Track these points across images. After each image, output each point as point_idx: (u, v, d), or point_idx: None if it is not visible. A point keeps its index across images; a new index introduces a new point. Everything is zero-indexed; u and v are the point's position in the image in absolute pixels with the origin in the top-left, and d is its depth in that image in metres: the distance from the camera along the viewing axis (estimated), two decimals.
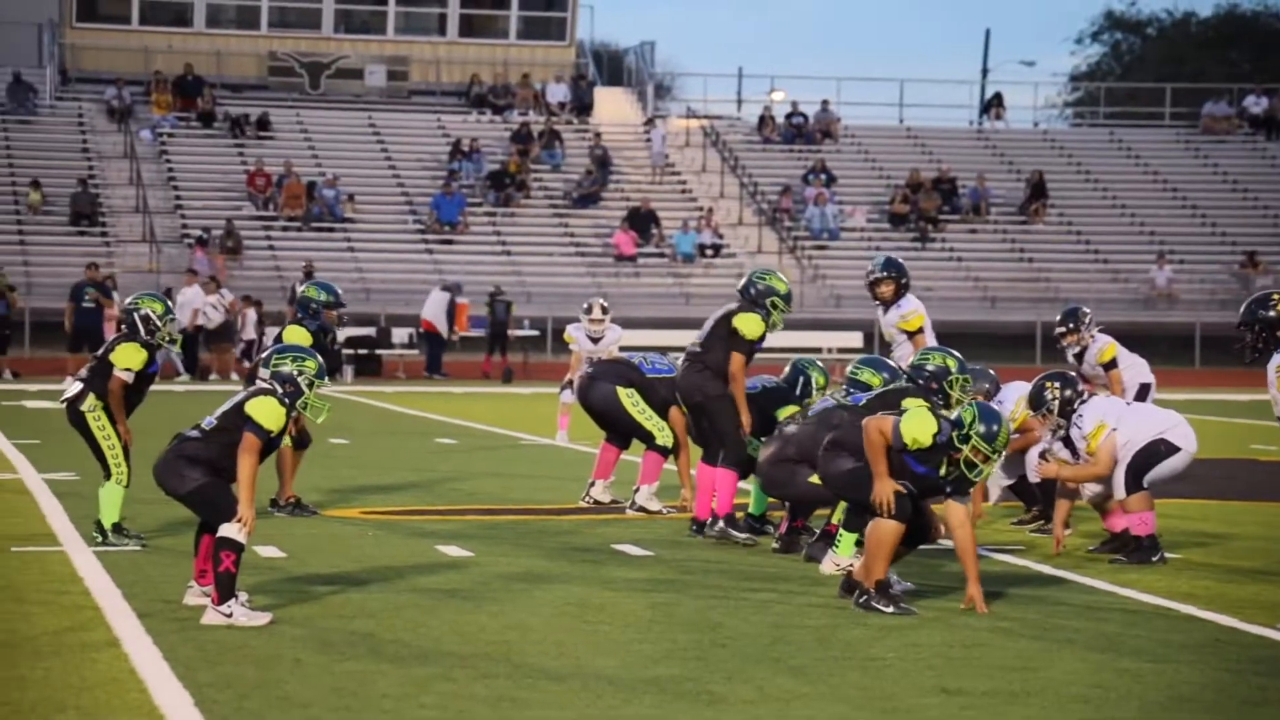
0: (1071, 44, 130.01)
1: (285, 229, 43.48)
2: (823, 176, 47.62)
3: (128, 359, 12.02)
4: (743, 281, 12.93)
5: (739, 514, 12.53)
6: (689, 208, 46.80)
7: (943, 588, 10.71)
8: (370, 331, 36.89)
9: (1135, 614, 10.02)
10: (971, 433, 9.74)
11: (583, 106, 50.31)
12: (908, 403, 10.42)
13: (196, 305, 34.11)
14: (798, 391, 12.69)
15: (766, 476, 11.87)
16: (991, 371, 13.19)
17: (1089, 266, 46.44)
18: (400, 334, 37.14)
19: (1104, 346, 14.97)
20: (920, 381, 11.12)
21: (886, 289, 14.37)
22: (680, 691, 7.84)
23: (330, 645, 8.73)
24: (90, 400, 12.02)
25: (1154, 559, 11.78)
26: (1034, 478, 13.13)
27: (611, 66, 56.66)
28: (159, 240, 42.17)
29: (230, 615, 9.18)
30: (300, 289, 14.29)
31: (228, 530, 9.27)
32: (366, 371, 35.84)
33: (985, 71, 69.09)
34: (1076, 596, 10.54)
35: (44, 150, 45.20)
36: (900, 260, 14.72)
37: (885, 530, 9.82)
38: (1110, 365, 14.96)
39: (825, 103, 51.67)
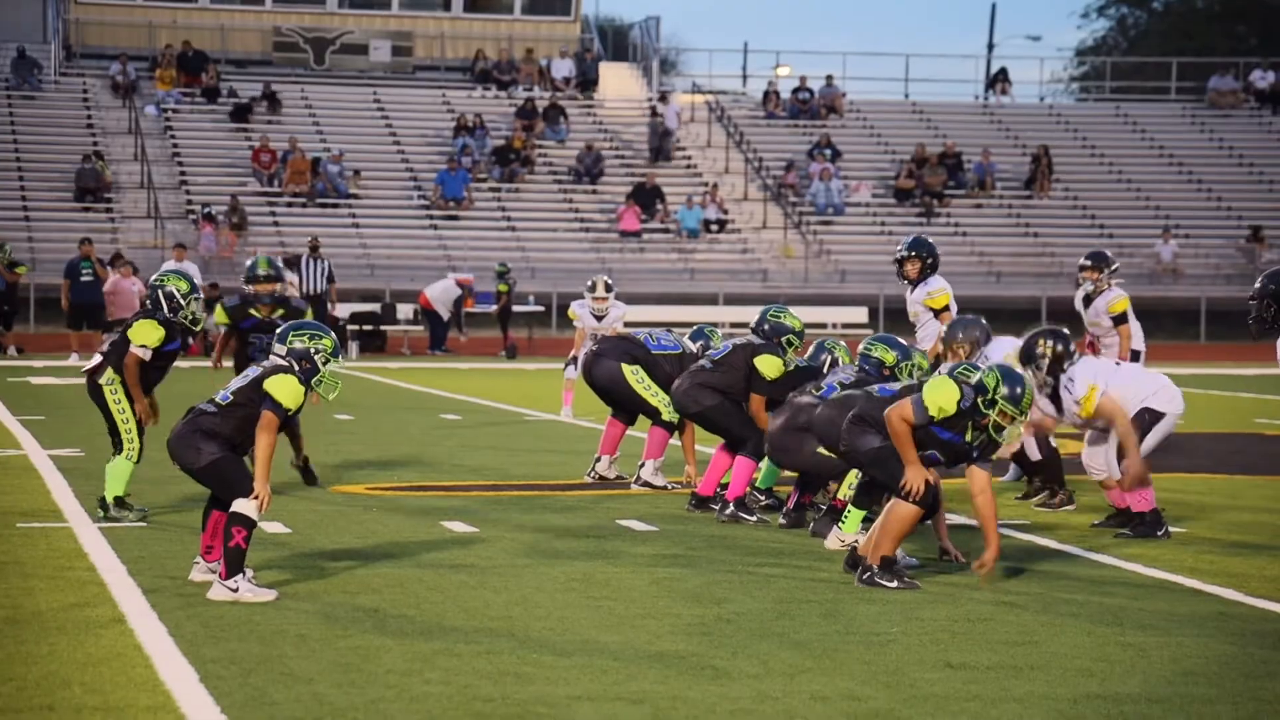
0: (1077, 18, 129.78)
1: (290, 205, 43.47)
2: (828, 152, 47.56)
3: (144, 335, 12.06)
4: (755, 319, 12.83)
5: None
6: (694, 183, 46.75)
7: (947, 563, 10.71)
8: (375, 308, 36.88)
9: (1140, 588, 10.01)
10: (996, 397, 9.75)
11: (587, 82, 50.24)
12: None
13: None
14: (825, 371, 12.63)
15: (775, 444, 11.87)
16: (983, 321, 13.14)
17: (1094, 241, 46.36)
18: (405, 310, 37.13)
19: (1118, 298, 14.97)
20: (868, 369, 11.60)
21: (912, 268, 14.53)
22: (684, 666, 7.85)
23: (335, 620, 8.74)
24: (109, 374, 12.12)
25: (1159, 533, 11.76)
26: (1034, 455, 13.14)
27: (616, 42, 56.56)
28: (164, 216, 42.16)
29: (236, 591, 9.19)
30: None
31: (242, 506, 9.27)
32: (371, 348, 35.85)
33: (991, 46, 69.01)
34: (1081, 570, 10.55)
35: (48, 126, 45.17)
36: (929, 240, 14.80)
37: (905, 513, 9.83)
38: (1120, 319, 14.96)
39: (830, 78, 51.58)
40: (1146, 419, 11.89)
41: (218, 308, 14.08)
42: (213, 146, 45.58)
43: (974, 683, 7.64)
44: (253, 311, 13.82)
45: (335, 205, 43.84)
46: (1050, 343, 11.84)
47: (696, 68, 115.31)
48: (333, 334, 9.76)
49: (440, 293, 36.25)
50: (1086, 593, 9.81)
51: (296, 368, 9.51)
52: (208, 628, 8.50)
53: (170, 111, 46.17)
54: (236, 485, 9.38)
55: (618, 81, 51.04)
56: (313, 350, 9.55)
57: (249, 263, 14.02)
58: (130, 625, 8.55)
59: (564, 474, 15.08)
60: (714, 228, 44.91)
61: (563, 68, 50.07)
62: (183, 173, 44.27)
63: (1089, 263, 15.06)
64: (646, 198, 44.77)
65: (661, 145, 47.63)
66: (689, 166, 48.06)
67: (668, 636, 8.49)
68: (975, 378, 9.92)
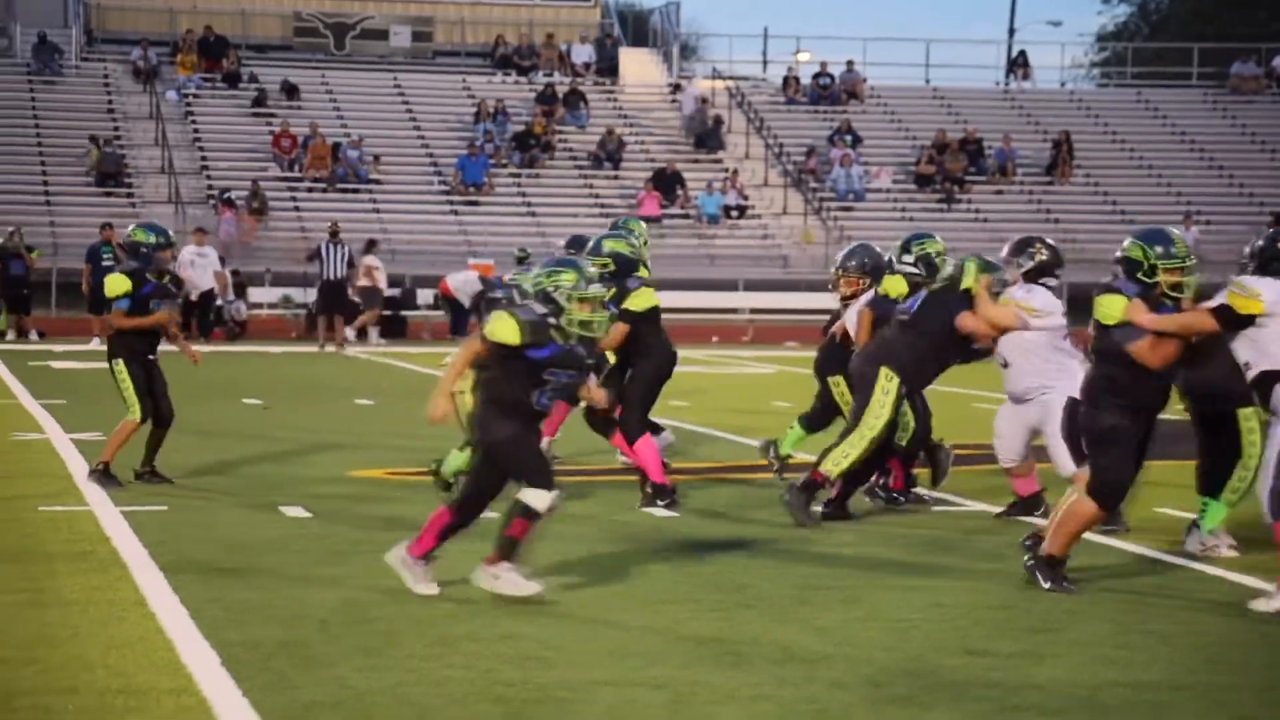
0: (1098, 3, 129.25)
1: (310, 190, 43.49)
2: (848, 137, 47.48)
3: (112, 288, 12.74)
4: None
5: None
6: (714, 169, 46.71)
7: (972, 550, 10.71)
8: (395, 293, 36.89)
9: (1163, 575, 9.99)
10: (1155, 262, 9.33)
11: (607, 68, 50.21)
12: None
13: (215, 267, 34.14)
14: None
15: (858, 374, 11.76)
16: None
17: (1116, 227, 46.25)
18: (425, 295, 37.13)
19: None
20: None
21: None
22: (705, 652, 7.85)
23: (356, 605, 8.75)
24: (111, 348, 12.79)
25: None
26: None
27: (636, 27, 56.50)
28: (184, 201, 42.20)
29: (498, 579, 8.91)
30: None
31: (531, 498, 8.92)
32: (392, 333, 35.86)
33: (1012, 31, 68.82)
34: (1105, 558, 10.53)
35: (69, 111, 45.22)
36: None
37: (1084, 511, 9.32)
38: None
39: (851, 63, 51.49)
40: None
41: (117, 276, 13.08)
42: (233, 132, 45.61)
43: (995, 670, 7.63)
44: (149, 276, 13.03)
45: (355, 190, 43.86)
46: (1043, 251, 11.56)
47: (717, 53, 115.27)
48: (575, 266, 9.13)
49: (461, 283, 36.28)
50: (1109, 580, 9.80)
51: (541, 311, 8.95)
52: (229, 612, 8.51)
53: (191, 97, 46.21)
54: (527, 469, 9.04)
55: (638, 67, 50.99)
56: (552, 289, 9.00)
57: (145, 231, 13.33)
58: (152, 608, 8.56)
59: (583, 458, 15.06)
60: (734, 213, 44.86)
61: (583, 53, 50.04)
62: (203, 158, 44.31)
63: None
64: (667, 183, 44.73)
65: (713, 131, 47.46)
66: (709, 152, 48.01)
67: (688, 622, 8.49)
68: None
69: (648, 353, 12.35)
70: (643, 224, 14.14)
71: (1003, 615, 8.77)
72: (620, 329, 11.98)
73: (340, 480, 13.55)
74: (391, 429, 17.50)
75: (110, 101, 45.75)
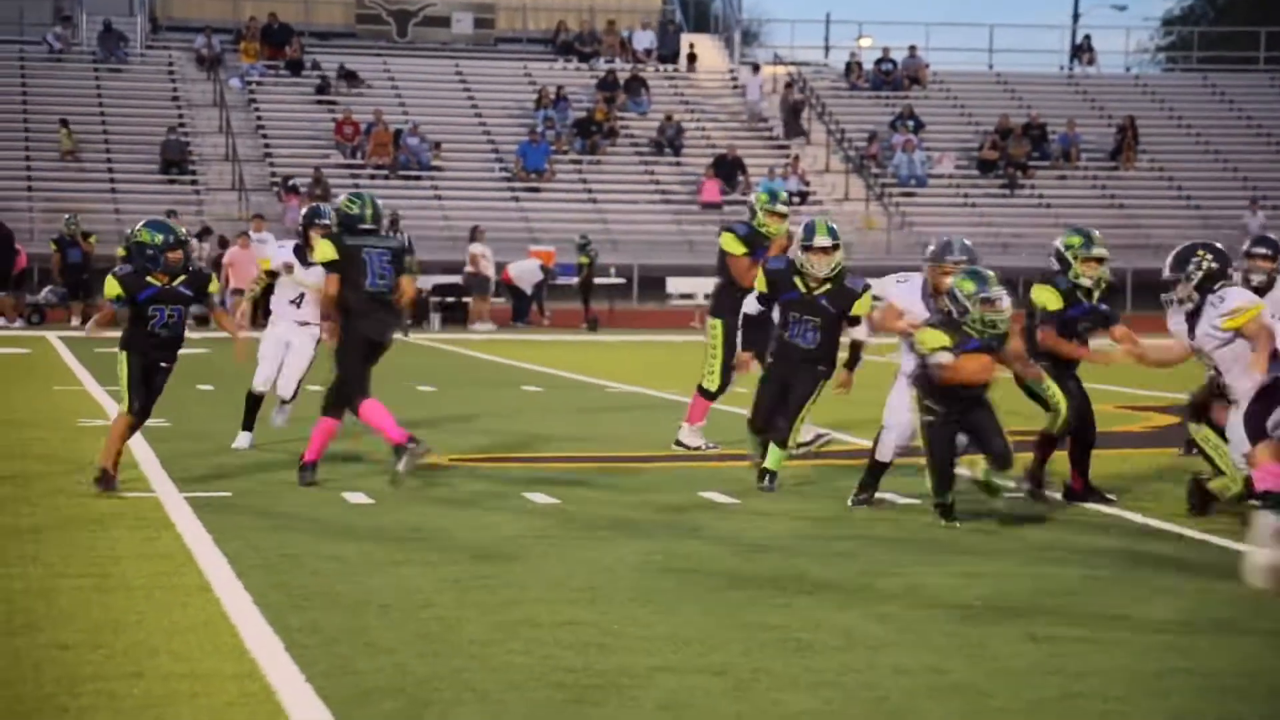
0: None
1: (373, 177, 43.64)
2: (910, 123, 47.31)
3: (106, 289, 12.03)
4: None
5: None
6: (776, 155, 46.60)
7: (1034, 538, 10.65)
8: (458, 279, 36.99)
9: (1230, 563, 9.91)
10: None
11: (669, 54, 50.15)
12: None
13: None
14: None
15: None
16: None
17: (1181, 212, 45.96)
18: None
19: None
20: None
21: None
22: (767, 639, 7.83)
23: (417, 591, 8.77)
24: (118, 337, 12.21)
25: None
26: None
27: (698, 13, 56.43)
28: (248, 189, 42.41)
29: None
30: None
31: None
32: (454, 320, 35.97)
33: (1076, 16, 68.38)
34: (1170, 546, 10.45)
35: (135, 98, 45.50)
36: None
37: None
38: None
39: (913, 48, 51.29)
40: None
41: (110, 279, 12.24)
42: (296, 119, 45.80)
43: (1058, 656, 7.59)
44: (151, 280, 12.05)
45: (418, 177, 43.97)
46: (1208, 257, 10.93)
47: (779, 39, 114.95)
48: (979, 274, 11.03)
49: (523, 271, 36.43)
50: (1176, 567, 9.73)
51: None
52: (291, 597, 8.54)
53: (254, 84, 46.41)
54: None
55: (700, 53, 50.92)
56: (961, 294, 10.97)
57: (150, 231, 12.22)
58: (216, 594, 8.61)
59: (645, 445, 15.07)
60: (795, 199, 44.77)
61: (644, 39, 50.00)
62: (267, 145, 44.50)
63: (1265, 250, 12.67)
64: (727, 170, 44.67)
65: (795, 117, 47.38)
66: (771, 138, 47.91)
67: (749, 608, 8.47)
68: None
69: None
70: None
71: (1066, 601, 8.72)
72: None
73: None
74: (452, 414, 17.53)
75: (175, 89, 46.00)
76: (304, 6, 49.24)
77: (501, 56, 49.74)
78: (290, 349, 14.52)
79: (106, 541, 10.07)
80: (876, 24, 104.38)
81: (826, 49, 55.20)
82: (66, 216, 36.01)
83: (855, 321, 12.39)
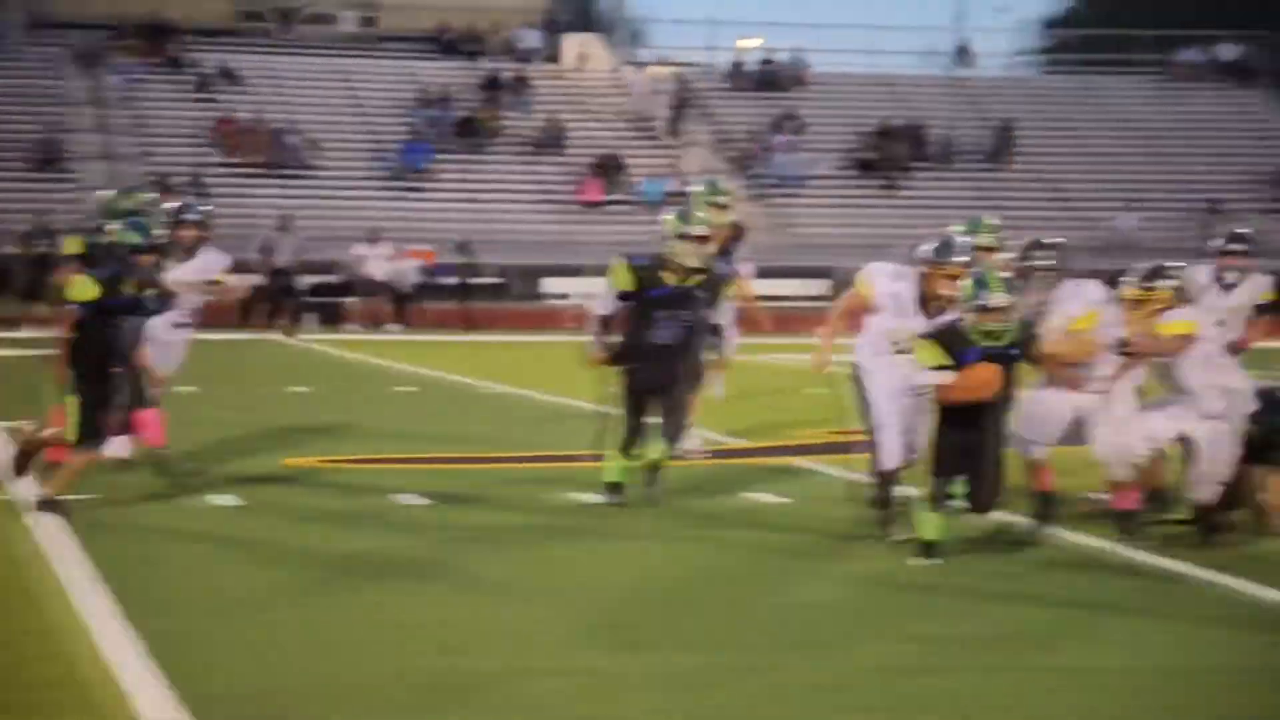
0: None
1: (251, 175, 43.30)
2: (792, 124, 47.56)
3: (77, 291, 10.74)
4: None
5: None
6: (659, 155, 46.71)
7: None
8: (334, 279, 36.88)
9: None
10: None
11: (554, 53, 50.16)
12: None
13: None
14: None
15: None
16: None
17: (1057, 214, 46.48)
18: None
19: (1269, 285, 12.79)
20: None
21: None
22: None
23: (280, 593, 8.75)
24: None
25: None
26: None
27: (584, 13, 56.48)
28: (124, 188, 41.95)
29: None
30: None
31: None
32: (333, 320, 35.83)
33: (957, 18, 69.01)
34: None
35: (11, 95, 44.91)
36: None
37: None
38: (1266, 308, 12.71)
39: (796, 50, 51.59)
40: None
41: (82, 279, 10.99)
42: (175, 117, 45.38)
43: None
44: (125, 288, 10.86)
45: (298, 177, 43.70)
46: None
47: (662, 39, 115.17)
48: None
49: (401, 272, 36.43)
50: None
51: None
52: (152, 601, 8.49)
53: (134, 82, 45.95)
54: None
55: (585, 53, 50.93)
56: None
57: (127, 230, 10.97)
58: (70, 599, 8.54)
59: (516, 446, 15.06)
60: (677, 199, 44.86)
61: (529, 38, 49.98)
62: (145, 143, 44.08)
63: (1239, 247, 12.36)
64: (609, 170, 44.74)
65: (678, 117, 47.50)
66: (653, 138, 48.02)
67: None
68: None
69: None
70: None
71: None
72: None
73: (275, 468, 13.50)
74: (324, 416, 17.43)
75: (52, 86, 45.46)
76: (186, 4, 48.79)
77: (385, 55, 49.53)
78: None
79: None
80: (760, 24, 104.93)
81: (710, 50, 55.38)
82: None
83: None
